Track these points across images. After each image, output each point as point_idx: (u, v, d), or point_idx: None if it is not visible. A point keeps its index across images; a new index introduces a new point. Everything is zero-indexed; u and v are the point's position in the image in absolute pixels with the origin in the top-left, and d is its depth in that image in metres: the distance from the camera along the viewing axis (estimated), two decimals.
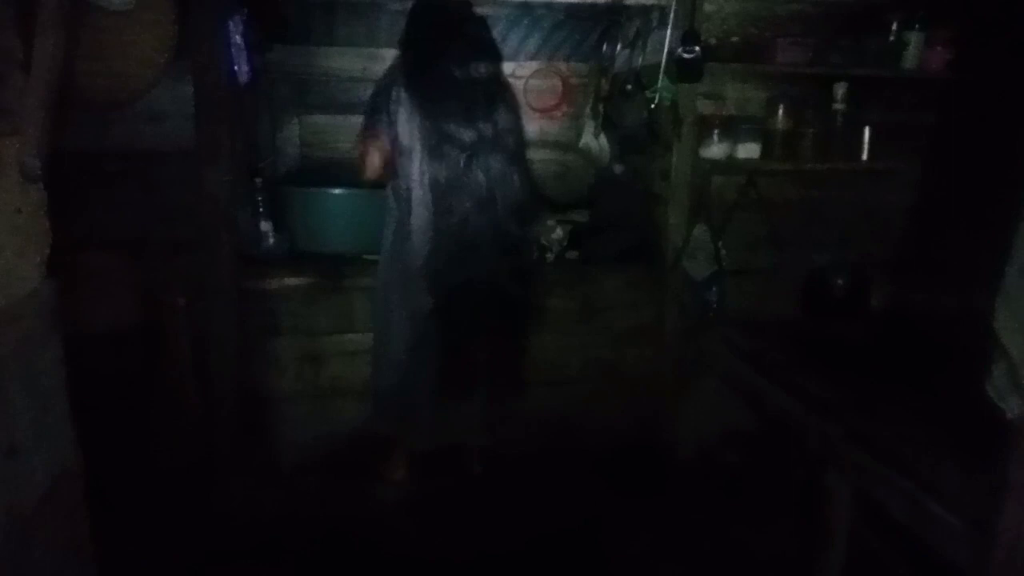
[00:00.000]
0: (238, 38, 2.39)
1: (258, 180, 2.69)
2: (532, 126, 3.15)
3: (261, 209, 2.67)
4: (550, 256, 2.85)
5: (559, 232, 2.87)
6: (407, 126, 2.29)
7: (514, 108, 2.47)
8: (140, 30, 1.93)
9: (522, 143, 2.50)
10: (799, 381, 2.21)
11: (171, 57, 2.08)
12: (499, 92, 2.41)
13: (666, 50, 2.56)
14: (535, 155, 3.07)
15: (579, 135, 3.11)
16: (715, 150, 2.70)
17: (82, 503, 1.46)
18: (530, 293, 2.56)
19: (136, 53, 1.98)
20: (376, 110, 2.34)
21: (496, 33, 2.56)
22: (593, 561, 2.24)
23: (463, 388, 2.42)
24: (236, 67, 2.37)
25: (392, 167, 2.35)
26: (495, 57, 2.39)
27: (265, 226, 2.67)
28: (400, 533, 2.37)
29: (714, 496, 2.56)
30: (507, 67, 2.99)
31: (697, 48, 2.48)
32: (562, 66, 3.21)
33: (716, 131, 2.68)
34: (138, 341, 2.37)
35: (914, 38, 2.71)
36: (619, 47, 2.92)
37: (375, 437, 2.63)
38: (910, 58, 2.74)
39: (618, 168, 3.00)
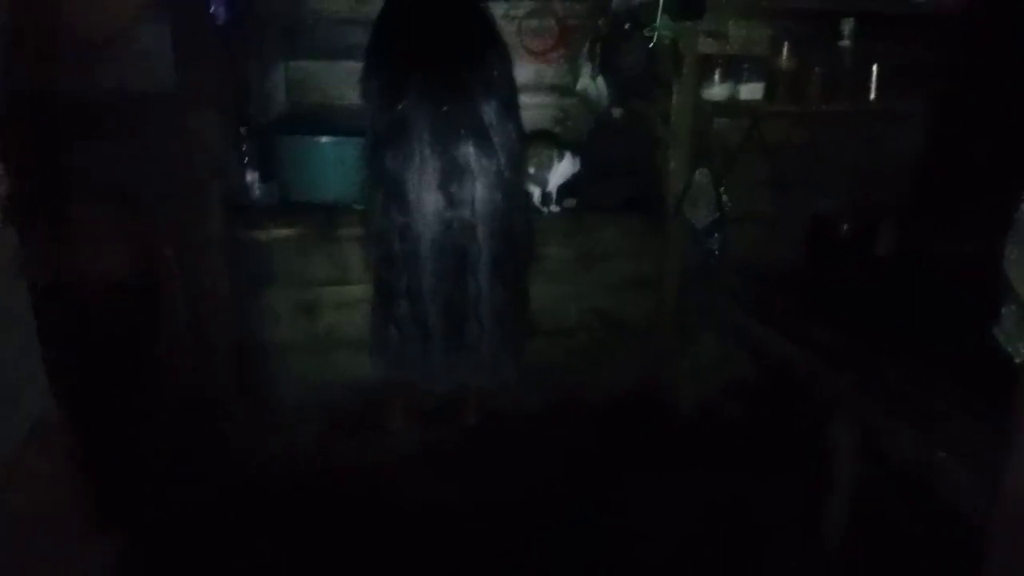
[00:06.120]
0: None
1: (243, 128, 2.62)
2: (528, 70, 3.05)
3: (247, 159, 2.60)
4: (546, 209, 2.79)
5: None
6: (398, 75, 2.26)
7: (507, 53, 2.47)
8: None
9: (515, 90, 2.48)
10: (804, 330, 2.16)
11: None
12: (492, 36, 2.41)
13: None
14: (532, 100, 2.97)
15: (576, 78, 3.01)
16: (717, 91, 2.60)
17: (63, 456, 1.43)
18: (531, 239, 2.57)
19: None
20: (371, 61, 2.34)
21: None
22: (589, 514, 2.22)
23: (465, 330, 2.41)
24: (212, 8, 2.28)
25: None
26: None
27: (252, 175, 2.61)
28: (398, 481, 2.36)
29: (715, 449, 2.52)
30: (500, 7, 2.91)
31: None
32: (558, 6, 3.08)
33: (718, 71, 2.58)
34: (131, 294, 2.33)
35: None
36: None
37: (373, 387, 2.60)
38: None
39: (617, 112, 2.90)
